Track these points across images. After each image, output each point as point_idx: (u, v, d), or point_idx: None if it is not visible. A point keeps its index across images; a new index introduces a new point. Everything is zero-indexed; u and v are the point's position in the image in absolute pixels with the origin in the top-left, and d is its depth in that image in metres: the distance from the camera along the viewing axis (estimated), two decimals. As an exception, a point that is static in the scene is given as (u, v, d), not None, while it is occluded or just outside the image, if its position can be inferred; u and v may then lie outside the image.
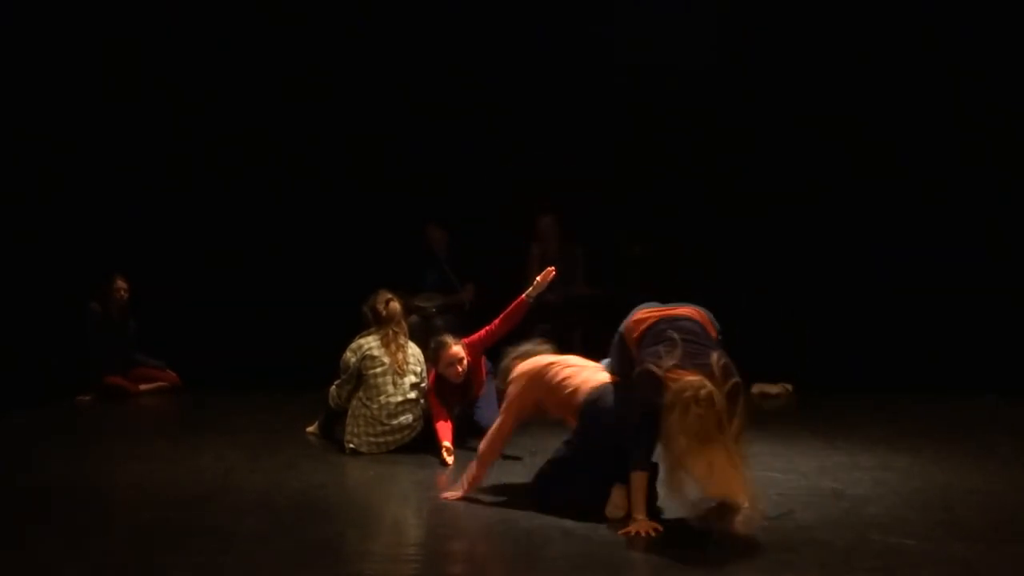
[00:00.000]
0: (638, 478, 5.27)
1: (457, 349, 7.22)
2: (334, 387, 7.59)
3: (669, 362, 5.13)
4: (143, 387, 10.22)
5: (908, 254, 10.60)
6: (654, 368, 5.14)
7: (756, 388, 9.95)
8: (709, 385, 4.98)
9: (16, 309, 10.19)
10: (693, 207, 10.87)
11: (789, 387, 10.02)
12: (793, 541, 5.01)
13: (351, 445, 7.30)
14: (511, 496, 5.89)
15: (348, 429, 7.36)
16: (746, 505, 5.19)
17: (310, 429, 7.91)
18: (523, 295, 7.23)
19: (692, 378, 5.02)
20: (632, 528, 5.16)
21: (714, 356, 5.18)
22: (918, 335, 10.34)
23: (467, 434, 7.32)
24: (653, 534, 5.13)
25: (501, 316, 7.31)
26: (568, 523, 5.29)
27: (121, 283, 10.26)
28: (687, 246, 10.82)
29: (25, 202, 10.53)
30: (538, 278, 7.16)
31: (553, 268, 7.19)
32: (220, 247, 11.05)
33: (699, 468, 4.92)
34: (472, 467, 5.92)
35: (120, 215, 10.92)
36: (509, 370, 6.08)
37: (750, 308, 10.62)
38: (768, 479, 6.28)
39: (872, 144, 10.71)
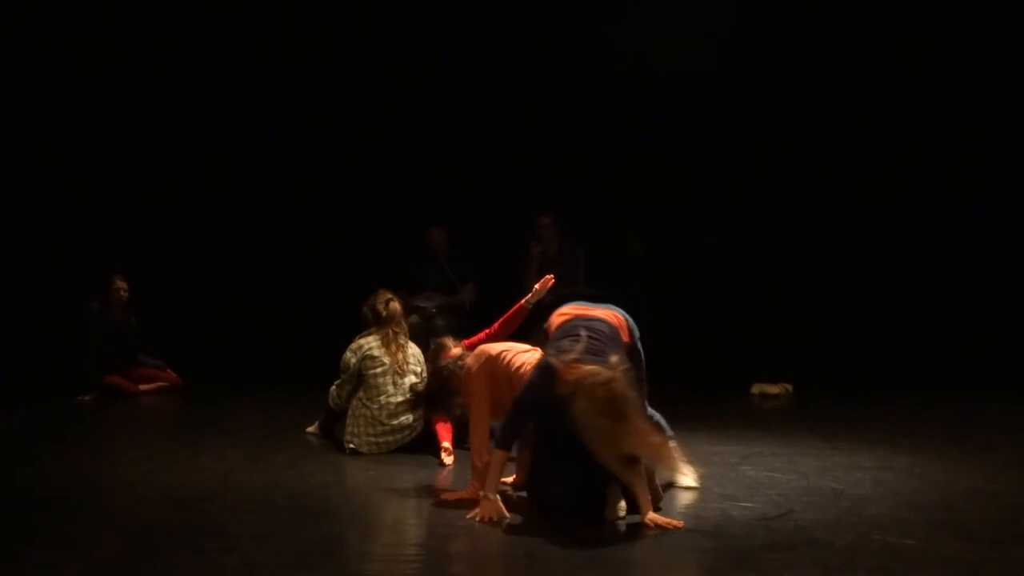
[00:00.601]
0: (496, 455, 5.45)
1: (457, 351, 7.20)
2: (334, 387, 7.60)
3: (570, 356, 5.30)
4: (143, 387, 10.22)
5: (908, 254, 10.61)
6: (554, 361, 5.32)
7: (756, 388, 9.97)
8: (606, 371, 5.16)
9: (16, 309, 10.20)
10: (693, 207, 10.88)
11: (789, 387, 10.02)
12: (793, 541, 5.01)
13: (351, 445, 7.30)
14: (510, 497, 5.89)
15: (348, 429, 7.36)
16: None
17: (310, 429, 7.91)
18: (522, 301, 7.22)
19: (589, 368, 5.20)
20: (478, 513, 5.35)
21: (613, 357, 5.33)
22: (919, 335, 10.36)
23: (467, 434, 7.31)
24: (496, 519, 5.31)
25: (500, 321, 7.29)
26: (568, 523, 5.28)
27: (120, 283, 10.26)
28: (687, 246, 10.82)
29: (26, 203, 10.53)
30: (536, 286, 7.15)
31: (552, 276, 7.19)
32: (221, 247, 11.06)
33: (630, 441, 5.12)
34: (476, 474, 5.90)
35: (120, 215, 10.93)
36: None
37: (750, 308, 10.65)
38: (768, 479, 6.29)
39: (872, 145, 10.72)
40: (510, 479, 6.09)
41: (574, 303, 5.90)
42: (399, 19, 10.98)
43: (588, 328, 5.53)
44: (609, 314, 5.77)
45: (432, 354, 7.30)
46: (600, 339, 5.48)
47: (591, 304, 5.90)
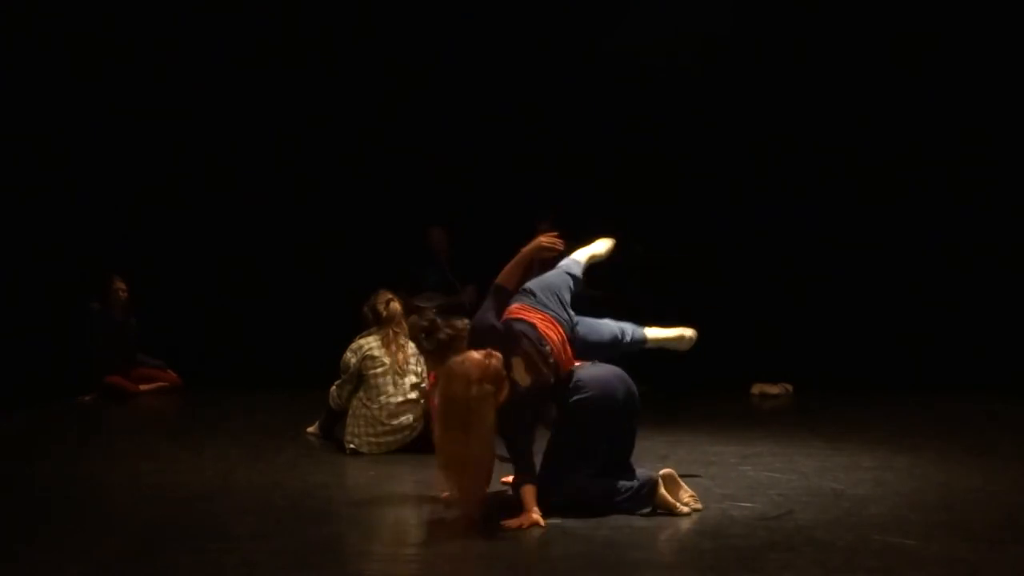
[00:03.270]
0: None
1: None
2: (335, 387, 7.60)
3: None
4: (143, 387, 10.23)
5: (908, 254, 10.61)
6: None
7: (756, 388, 9.98)
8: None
9: (16, 309, 10.20)
10: (693, 207, 10.88)
11: (789, 387, 10.02)
12: (793, 541, 5.01)
13: (351, 445, 7.30)
14: (510, 497, 5.89)
15: (348, 429, 7.36)
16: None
17: (310, 429, 7.91)
18: None
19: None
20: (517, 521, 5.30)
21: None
22: (918, 334, 10.36)
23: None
24: (526, 526, 5.23)
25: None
26: (568, 523, 5.28)
27: (119, 284, 10.27)
28: (688, 246, 10.82)
29: (26, 203, 10.53)
30: None
31: None
32: (221, 247, 11.06)
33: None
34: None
35: (120, 215, 10.93)
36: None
37: (750, 308, 10.65)
38: (768, 479, 6.29)
39: (872, 145, 10.72)
40: (509, 478, 6.08)
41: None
42: (399, 19, 10.97)
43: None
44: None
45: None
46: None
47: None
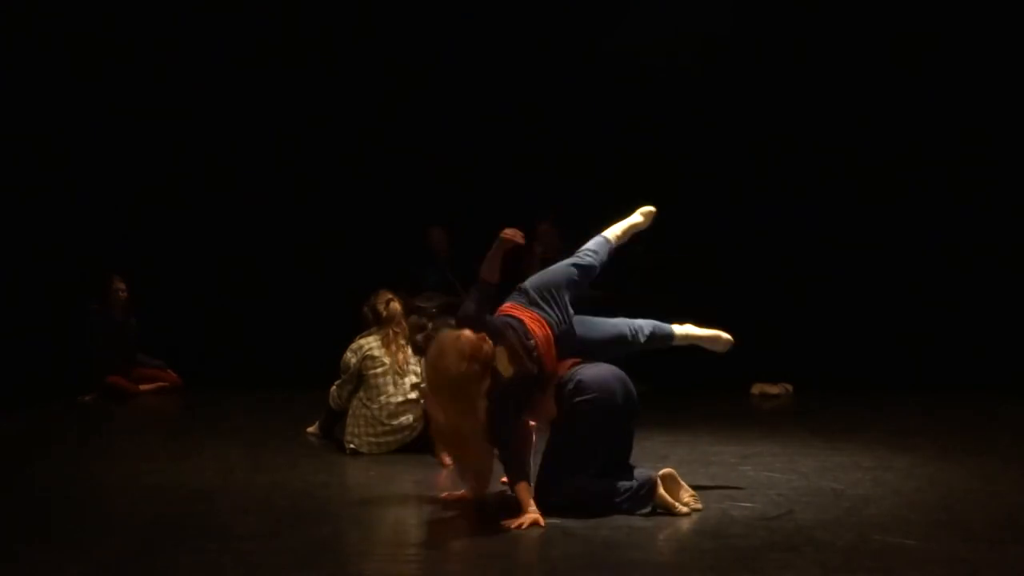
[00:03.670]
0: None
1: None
2: (335, 387, 7.60)
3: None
4: (144, 387, 10.23)
5: (908, 254, 10.61)
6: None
7: (756, 388, 9.98)
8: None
9: (16, 309, 10.20)
10: (693, 207, 10.87)
11: (789, 387, 10.02)
12: (793, 541, 5.01)
13: (351, 445, 7.30)
14: (510, 497, 5.89)
15: (348, 429, 7.36)
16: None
17: (311, 429, 7.92)
18: None
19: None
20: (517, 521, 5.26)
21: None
22: (918, 334, 10.36)
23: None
24: (526, 526, 5.20)
25: None
26: (568, 523, 5.28)
27: (119, 284, 10.27)
28: (688, 246, 10.82)
29: (26, 203, 10.54)
30: None
31: None
32: (220, 247, 11.06)
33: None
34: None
35: (120, 215, 10.93)
36: None
37: (750, 307, 10.64)
38: (768, 479, 6.29)
39: (872, 145, 10.72)
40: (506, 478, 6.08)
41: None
42: (399, 19, 10.98)
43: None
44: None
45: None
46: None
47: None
